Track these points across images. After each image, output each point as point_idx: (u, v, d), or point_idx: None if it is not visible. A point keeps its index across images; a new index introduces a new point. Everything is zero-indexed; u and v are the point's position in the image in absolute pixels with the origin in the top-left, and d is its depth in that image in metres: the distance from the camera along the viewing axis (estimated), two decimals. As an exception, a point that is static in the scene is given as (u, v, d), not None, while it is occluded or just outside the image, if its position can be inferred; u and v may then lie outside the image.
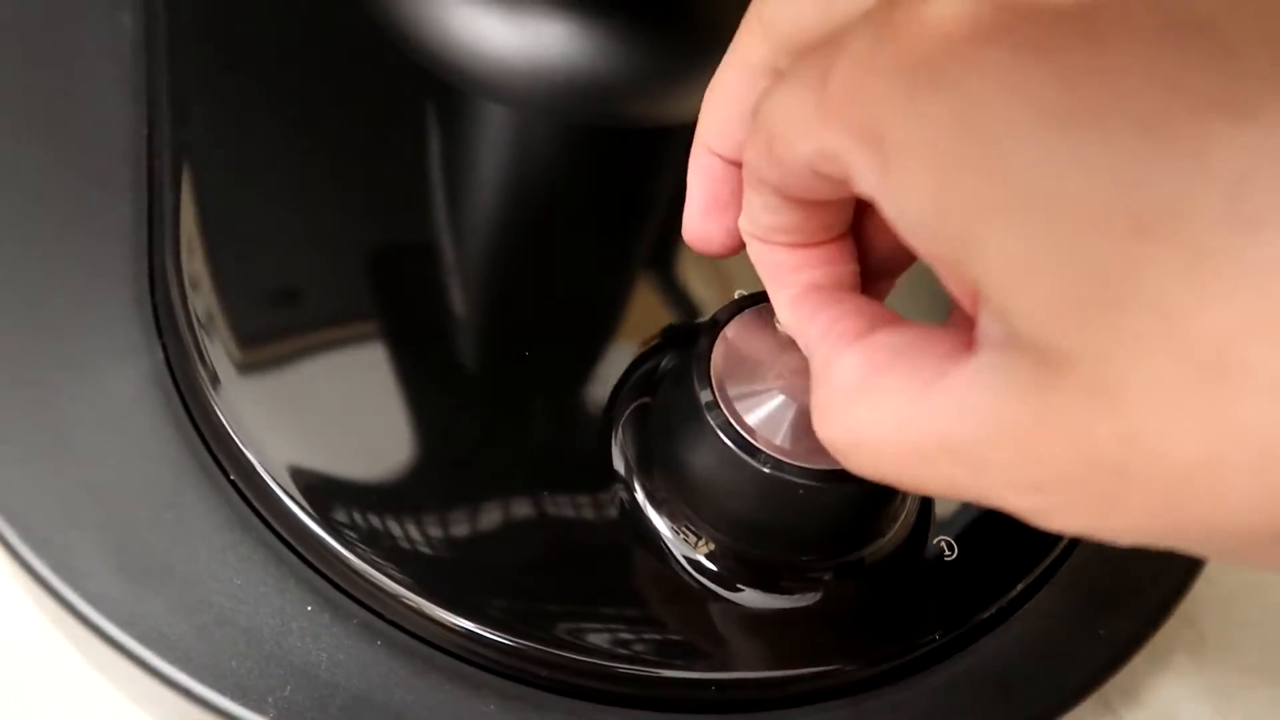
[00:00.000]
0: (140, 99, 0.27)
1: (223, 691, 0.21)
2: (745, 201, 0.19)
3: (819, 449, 0.22)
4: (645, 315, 0.27)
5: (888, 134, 0.14)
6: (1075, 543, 0.25)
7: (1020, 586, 0.24)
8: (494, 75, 0.29)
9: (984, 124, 0.13)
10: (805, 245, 0.19)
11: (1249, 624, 0.31)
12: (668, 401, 0.24)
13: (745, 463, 0.21)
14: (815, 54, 0.16)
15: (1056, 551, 0.24)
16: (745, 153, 0.18)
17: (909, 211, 0.14)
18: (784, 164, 0.17)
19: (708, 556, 0.23)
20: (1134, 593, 0.25)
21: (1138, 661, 0.30)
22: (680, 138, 0.30)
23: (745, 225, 0.20)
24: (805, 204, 0.18)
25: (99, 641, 0.21)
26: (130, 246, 0.25)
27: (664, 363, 0.25)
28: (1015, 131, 0.13)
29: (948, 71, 0.14)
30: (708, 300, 0.27)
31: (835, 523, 0.22)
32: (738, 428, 0.21)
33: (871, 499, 0.22)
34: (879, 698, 0.23)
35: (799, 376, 0.22)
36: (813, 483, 0.21)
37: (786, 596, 0.23)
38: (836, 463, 0.22)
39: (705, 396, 0.22)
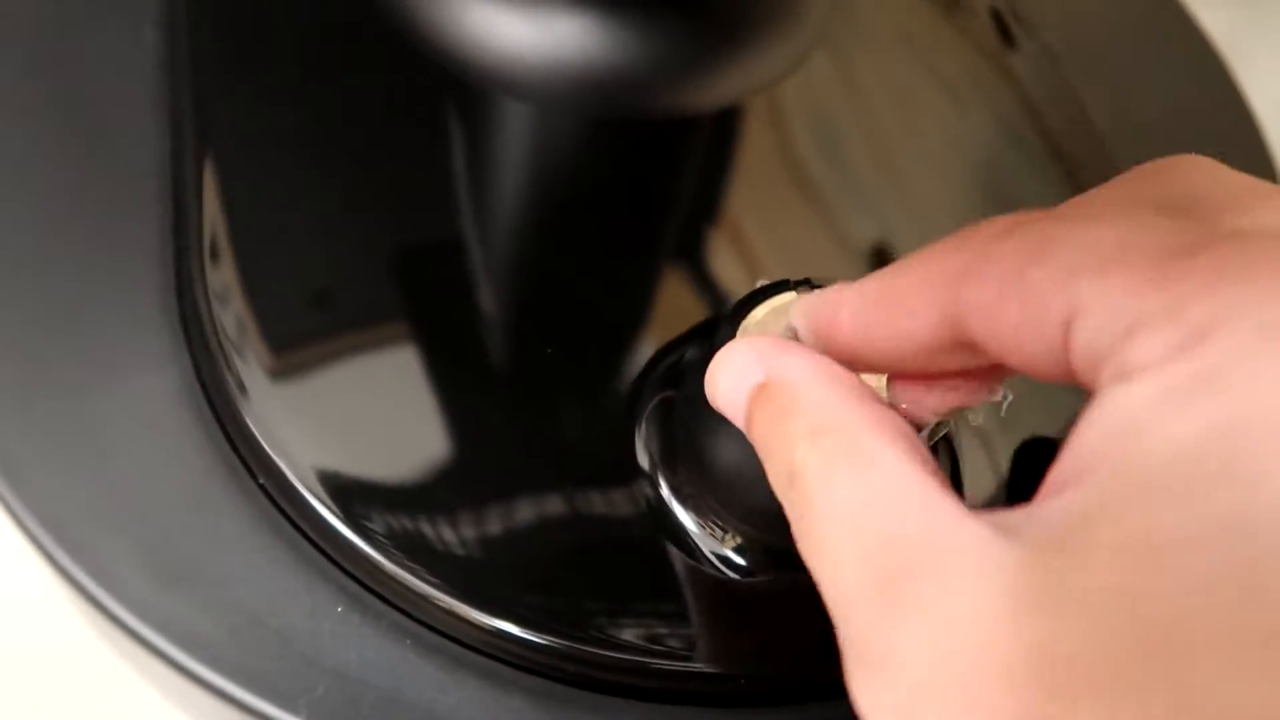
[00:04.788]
0: (165, 112, 0.27)
1: (257, 693, 0.21)
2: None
3: None
4: (670, 309, 0.27)
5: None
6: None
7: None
8: (514, 72, 0.29)
9: None
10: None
11: None
12: (689, 395, 0.24)
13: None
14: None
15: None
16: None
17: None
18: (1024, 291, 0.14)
19: (735, 550, 0.23)
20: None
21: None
22: (700, 128, 0.30)
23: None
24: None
25: (135, 645, 0.22)
26: (158, 258, 0.25)
27: (686, 355, 0.25)
28: None
29: None
30: (733, 292, 0.27)
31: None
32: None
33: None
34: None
35: None
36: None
37: (815, 586, 0.23)
38: None
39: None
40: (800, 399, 0.16)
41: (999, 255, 0.15)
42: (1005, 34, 0.34)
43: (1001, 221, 0.15)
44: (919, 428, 0.19)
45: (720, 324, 0.22)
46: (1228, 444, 0.11)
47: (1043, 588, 0.12)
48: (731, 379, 0.18)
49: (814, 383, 0.16)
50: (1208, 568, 0.11)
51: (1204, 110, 0.37)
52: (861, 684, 0.14)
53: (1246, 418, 0.11)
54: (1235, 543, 0.11)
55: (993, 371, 0.17)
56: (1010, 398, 0.23)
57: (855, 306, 0.17)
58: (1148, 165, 0.16)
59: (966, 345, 0.15)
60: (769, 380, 0.17)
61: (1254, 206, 0.14)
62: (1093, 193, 0.16)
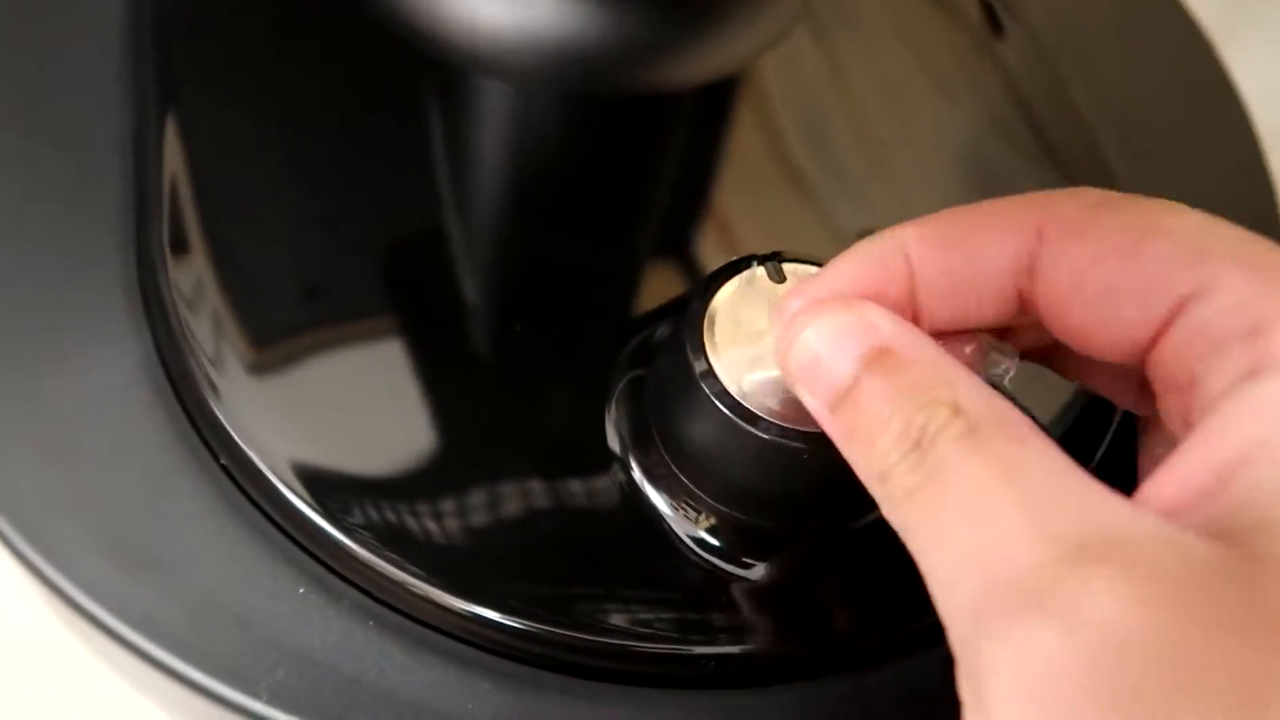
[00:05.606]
0: (128, 87, 0.27)
1: (215, 675, 0.20)
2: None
3: None
4: (645, 288, 0.26)
5: None
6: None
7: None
8: (488, 50, 0.28)
9: None
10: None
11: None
12: (661, 373, 0.23)
13: (744, 430, 0.21)
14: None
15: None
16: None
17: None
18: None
19: (709, 531, 0.22)
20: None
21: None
22: (676, 106, 0.29)
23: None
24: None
25: (93, 629, 0.21)
26: (119, 234, 0.25)
27: (658, 333, 0.24)
28: None
29: None
30: (708, 270, 0.26)
31: (839, 486, 0.22)
32: (734, 394, 0.21)
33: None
34: (886, 670, 0.22)
35: None
36: (816, 446, 0.20)
37: (790, 568, 0.22)
38: None
39: (699, 364, 0.21)
40: (939, 373, 0.16)
41: (1099, 222, 0.15)
42: (992, 19, 0.34)
43: (1093, 193, 0.16)
44: None
45: (690, 301, 0.22)
46: None
47: (1235, 597, 0.12)
48: (834, 338, 0.17)
49: (945, 360, 0.16)
50: None
51: (1192, 98, 0.37)
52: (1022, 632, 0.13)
53: None
54: None
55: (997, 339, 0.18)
56: (1012, 371, 0.22)
57: (919, 247, 0.17)
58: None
59: (1019, 298, 0.16)
60: (893, 347, 0.16)
61: None
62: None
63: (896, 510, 0.15)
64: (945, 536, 0.14)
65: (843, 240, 0.28)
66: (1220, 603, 0.12)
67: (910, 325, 0.17)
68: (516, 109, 0.28)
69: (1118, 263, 0.15)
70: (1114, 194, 0.16)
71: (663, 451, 0.23)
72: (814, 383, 0.17)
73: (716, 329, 0.22)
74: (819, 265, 0.22)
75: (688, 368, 0.21)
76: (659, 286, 0.26)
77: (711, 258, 0.26)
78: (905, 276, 0.17)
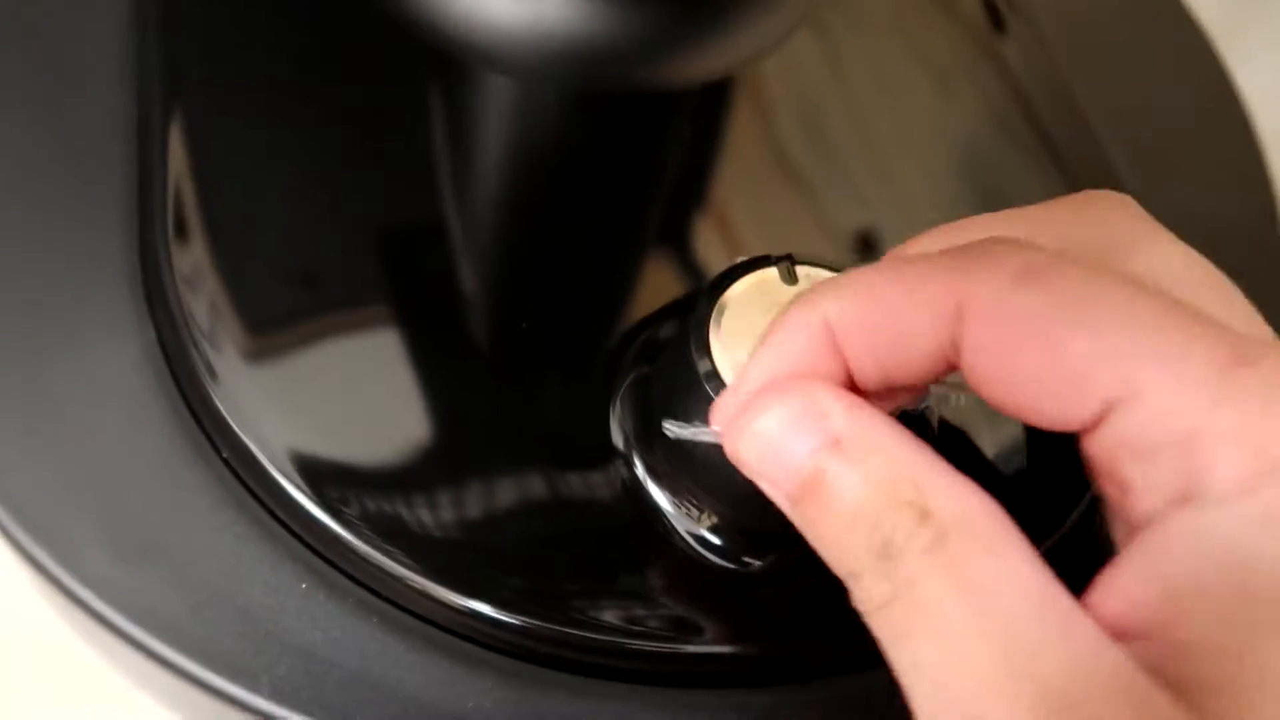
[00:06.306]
0: (133, 76, 0.27)
1: (217, 670, 0.20)
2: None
3: None
4: (649, 285, 0.26)
5: None
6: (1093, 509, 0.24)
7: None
8: (493, 45, 0.28)
9: None
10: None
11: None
12: (666, 372, 0.23)
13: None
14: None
15: (1074, 516, 0.24)
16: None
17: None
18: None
19: (710, 530, 0.22)
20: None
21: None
22: (682, 102, 0.29)
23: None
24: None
25: (94, 623, 0.21)
26: (122, 225, 0.25)
27: (662, 331, 0.24)
28: None
29: None
30: (712, 268, 0.26)
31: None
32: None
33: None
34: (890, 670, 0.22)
35: None
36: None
37: (791, 566, 0.22)
38: None
39: (704, 365, 0.21)
40: (901, 467, 0.15)
41: (1017, 306, 0.14)
42: (995, 18, 0.34)
43: (1014, 259, 0.15)
44: None
45: (699, 298, 0.22)
46: None
47: None
48: (787, 428, 0.16)
49: (905, 448, 0.15)
50: None
51: (1194, 98, 0.37)
52: None
53: None
54: None
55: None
56: (963, 401, 0.22)
57: (841, 321, 0.16)
58: (1077, 197, 0.16)
59: (949, 362, 0.15)
60: (845, 438, 0.15)
61: (1148, 250, 0.15)
62: (1029, 214, 0.16)
63: (871, 619, 0.15)
64: (919, 667, 0.14)
65: (846, 240, 0.28)
66: None
67: (863, 405, 0.16)
68: (524, 103, 0.28)
69: (1038, 358, 0.14)
70: (1038, 258, 0.15)
71: (666, 450, 0.23)
72: (772, 476, 0.16)
73: (722, 329, 0.22)
74: (833, 270, 0.22)
75: (692, 367, 0.21)
76: (665, 284, 0.26)
77: (718, 257, 0.26)
78: (831, 349, 0.16)
